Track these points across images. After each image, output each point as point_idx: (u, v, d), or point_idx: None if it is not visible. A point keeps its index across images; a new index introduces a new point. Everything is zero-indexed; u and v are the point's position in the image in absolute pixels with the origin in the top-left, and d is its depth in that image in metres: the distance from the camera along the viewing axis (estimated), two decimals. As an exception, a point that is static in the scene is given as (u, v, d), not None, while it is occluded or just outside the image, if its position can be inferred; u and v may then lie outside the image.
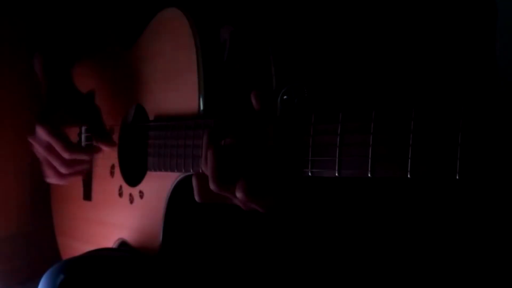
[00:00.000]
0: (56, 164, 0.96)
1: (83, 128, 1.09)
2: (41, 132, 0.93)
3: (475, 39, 0.74)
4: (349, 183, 0.72)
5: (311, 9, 0.78)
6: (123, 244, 0.97)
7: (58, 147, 0.93)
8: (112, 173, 1.01)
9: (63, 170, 0.96)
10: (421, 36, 0.72)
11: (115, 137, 1.00)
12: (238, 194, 0.61)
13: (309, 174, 0.59)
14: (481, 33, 0.74)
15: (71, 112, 0.98)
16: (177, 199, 0.83)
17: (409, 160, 0.49)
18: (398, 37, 0.72)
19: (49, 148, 0.94)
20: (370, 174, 0.53)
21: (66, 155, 0.94)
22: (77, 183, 1.11)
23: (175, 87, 0.83)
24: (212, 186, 0.63)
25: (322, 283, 0.80)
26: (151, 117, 0.90)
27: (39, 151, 0.96)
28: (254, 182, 0.60)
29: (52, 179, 1.00)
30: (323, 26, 0.77)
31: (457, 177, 0.46)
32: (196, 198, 0.68)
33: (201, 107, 0.78)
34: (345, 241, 0.79)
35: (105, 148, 0.99)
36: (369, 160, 0.52)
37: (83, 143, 1.09)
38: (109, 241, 1.00)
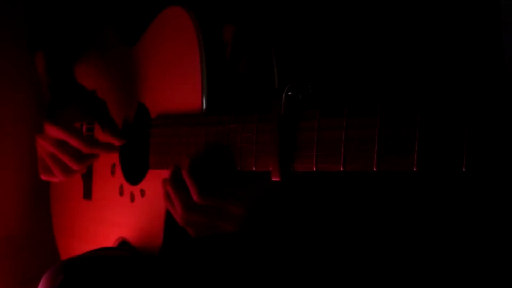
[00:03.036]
0: (68, 160, 0.93)
1: (84, 127, 1.09)
2: (51, 129, 0.91)
3: (479, 34, 0.74)
4: (352, 179, 0.73)
5: (312, 8, 0.79)
6: (123, 243, 0.97)
7: (75, 142, 0.91)
8: (112, 172, 1.01)
9: (75, 165, 0.94)
10: (425, 31, 0.73)
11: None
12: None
13: (314, 169, 0.59)
14: (485, 27, 0.75)
15: (78, 107, 0.97)
16: None
17: (416, 153, 0.49)
18: (402, 32, 0.73)
19: (60, 144, 0.92)
20: (376, 168, 0.53)
21: (84, 149, 0.92)
22: (77, 182, 1.11)
23: (178, 86, 0.83)
24: None
25: (323, 282, 0.80)
26: (153, 116, 0.90)
27: (48, 149, 0.94)
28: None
29: (57, 177, 0.98)
30: (325, 24, 0.77)
31: (463, 170, 0.46)
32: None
33: (204, 106, 0.78)
34: (347, 238, 0.79)
35: (116, 143, 0.96)
36: (375, 154, 0.53)
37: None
38: (110, 240, 1.00)
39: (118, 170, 0.99)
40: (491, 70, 0.74)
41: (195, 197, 0.73)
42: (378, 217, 0.75)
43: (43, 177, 1.00)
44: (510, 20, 0.78)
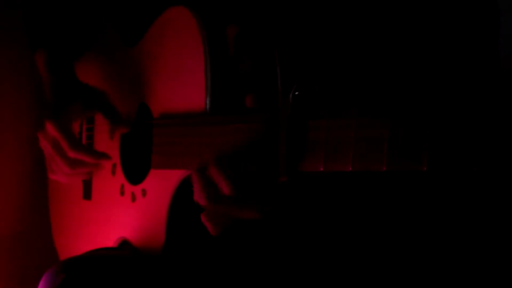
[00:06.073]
0: (59, 161, 0.95)
1: (84, 127, 1.09)
2: (49, 128, 0.93)
3: (479, 36, 0.75)
4: (354, 181, 0.73)
5: (315, 7, 0.79)
6: (124, 243, 0.97)
7: (64, 145, 0.93)
8: (113, 172, 1.00)
9: (65, 168, 0.96)
10: (436, 31, 0.73)
11: (117, 135, 1.00)
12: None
13: (321, 169, 0.60)
14: (484, 31, 0.76)
15: (80, 103, 0.98)
16: (182, 198, 0.83)
17: (426, 153, 0.50)
18: (411, 31, 0.73)
19: (55, 144, 0.94)
20: (386, 167, 0.53)
21: (71, 154, 0.94)
22: (77, 182, 1.10)
23: (181, 86, 0.83)
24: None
25: (324, 283, 0.80)
26: (156, 116, 0.90)
27: (46, 146, 0.96)
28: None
29: (55, 176, 0.99)
30: (329, 23, 0.77)
31: (474, 170, 0.47)
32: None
33: (208, 106, 0.78)
34: (349, 240, 0.79)
35: (123, 131, 0.98)
36: (385, 154, 0.53)
37: (84, 141, 1.09)
38: (110, 240, 1.00)
39: (119, 170, 0.99)
40: (497, 71, 0.75)
41: (226, 190, 0.68)
42: (381, 217, 0.76)
43: (49, 176, 1.01)
44: (510, 21, 0.79)
